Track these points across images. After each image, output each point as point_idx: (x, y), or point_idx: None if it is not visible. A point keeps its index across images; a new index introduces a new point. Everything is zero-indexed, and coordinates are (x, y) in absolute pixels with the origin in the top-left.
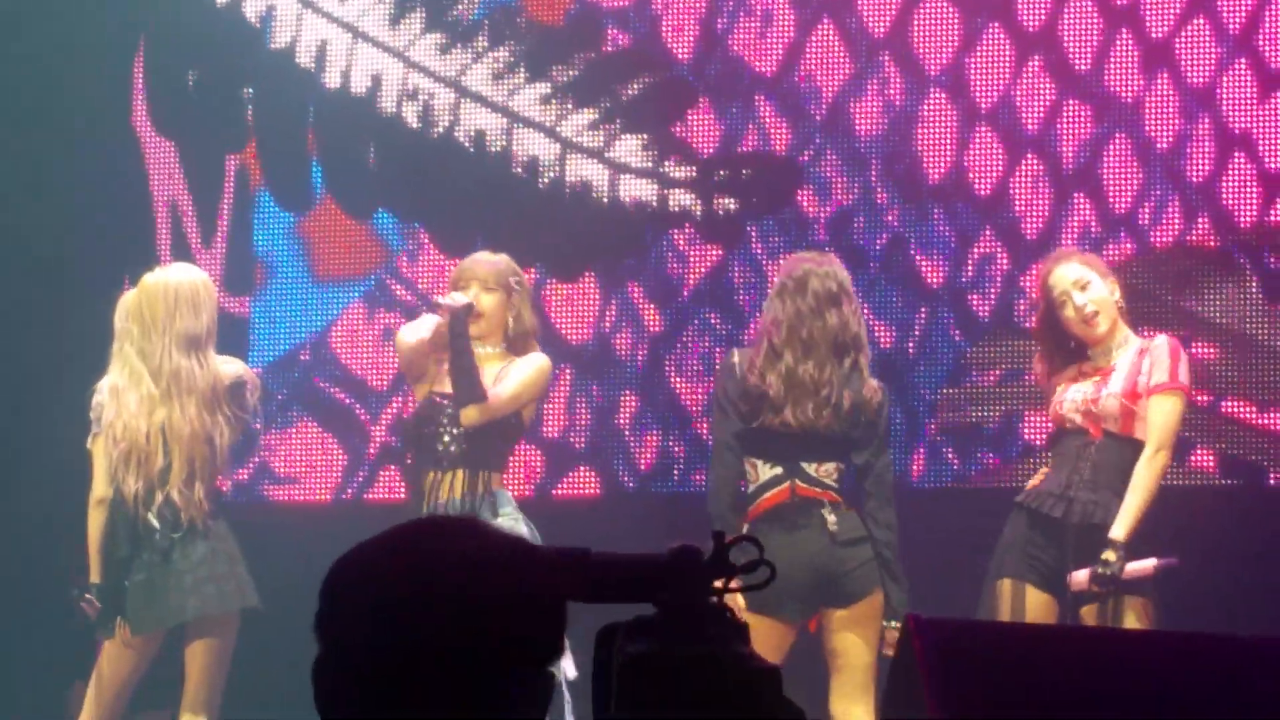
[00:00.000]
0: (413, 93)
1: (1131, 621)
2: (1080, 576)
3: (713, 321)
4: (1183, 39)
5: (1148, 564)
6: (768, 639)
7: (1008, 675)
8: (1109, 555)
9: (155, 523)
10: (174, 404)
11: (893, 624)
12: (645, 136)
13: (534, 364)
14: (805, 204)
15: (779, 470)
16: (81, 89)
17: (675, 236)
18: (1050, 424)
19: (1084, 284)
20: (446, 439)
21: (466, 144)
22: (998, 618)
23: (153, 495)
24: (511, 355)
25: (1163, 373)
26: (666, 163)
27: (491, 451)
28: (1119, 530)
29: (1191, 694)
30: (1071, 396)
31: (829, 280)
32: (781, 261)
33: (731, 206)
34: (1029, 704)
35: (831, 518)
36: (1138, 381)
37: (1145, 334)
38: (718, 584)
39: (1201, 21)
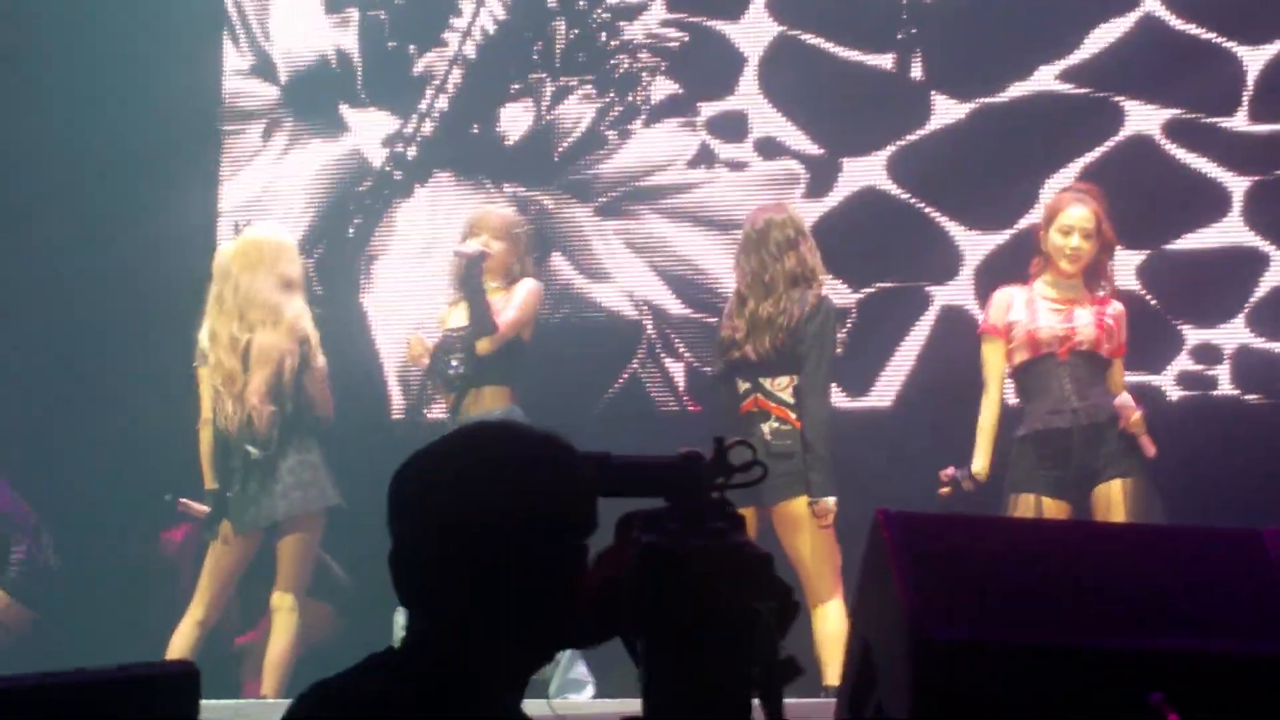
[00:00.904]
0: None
1: (1139, 496)
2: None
3: None
4: None
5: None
6: None
7: (973, 565)
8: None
9: (247, 446)
10: (265, 330)
11: (815, 501)
12: None
13: (525, 288)
14: None
15: (748, 385)
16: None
17: None
18: (1014, 344)
19: (1088, 233)
20: (455, 363)
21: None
22: None
23: (245, 421)
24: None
25: (1123, 337)
26: None
27: (495, 371)
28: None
29: (1151, 580)
30: (1046, 325)
31: (787, 228)
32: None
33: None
34: (994, 592)
35: (768, 430)
36: (1105, 323)
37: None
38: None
39: None
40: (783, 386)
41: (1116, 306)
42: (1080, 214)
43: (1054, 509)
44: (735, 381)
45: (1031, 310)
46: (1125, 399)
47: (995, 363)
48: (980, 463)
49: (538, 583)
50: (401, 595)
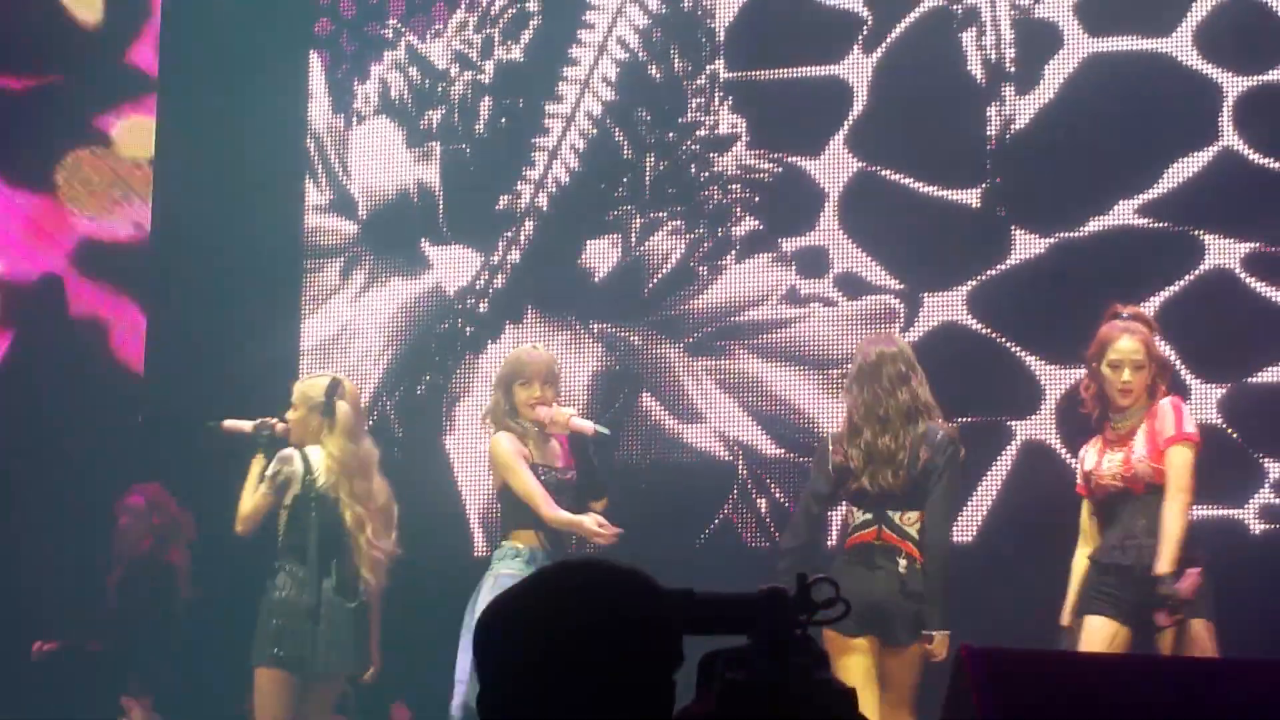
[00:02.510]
0: None
1: (1202, 640)
2: (1160, 618)
3: None
4: None
5: (1193, 572)
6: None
7: (1055, 699)
8: (1164, 590)
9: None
10: (378, 480)
11: (928, 634)
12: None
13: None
14: None
15: (869, 516)
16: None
17: None
18: (1092, 492)
19: (1138, 364)
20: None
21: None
22: (1083, 649)
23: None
24: None
25: (1170, 428)
26: None
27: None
28: (1163, 566)
29: (1235, 714)
30: (1108, 469)
31: (899, 362)
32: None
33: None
34: None
35: (903, 566)
36: (1157, 440)
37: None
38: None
39: None
40: (912, 522)
41: (1161, 403)
42: (1128, 347)
43: (1115, 631)
44: (853, 511)
45: (1099, 455)
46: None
47: (1082, 520)
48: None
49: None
50: None
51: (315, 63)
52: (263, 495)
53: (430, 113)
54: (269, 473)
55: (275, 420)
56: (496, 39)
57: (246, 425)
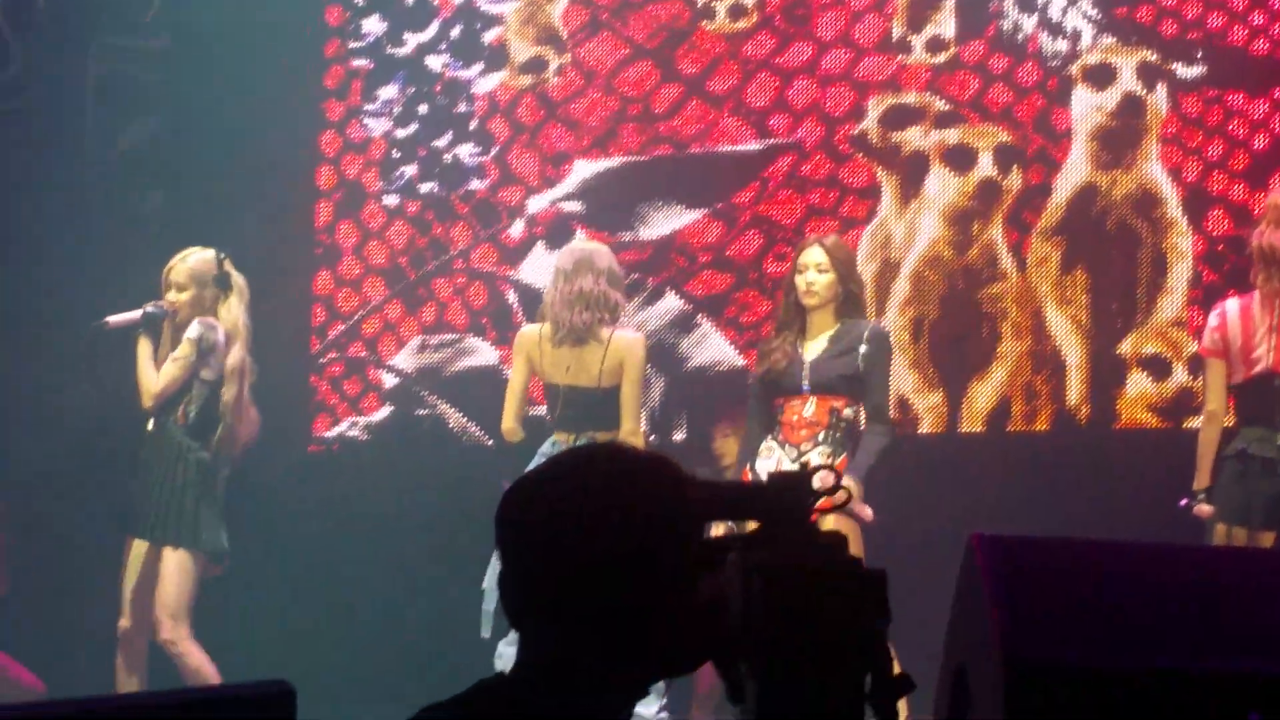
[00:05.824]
0: None
1: None
2: None
3: None
4: None
5: None
6: None
7: (1068, 587)
8: None
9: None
10: None
11: None
12: None
13: None
14: None
15: None
16: None
17: None
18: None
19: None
20: None
21: None
22: None
23: None
24: None
25: None
26: None
27: None
28: None
29: (1254, 602)
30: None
31: None
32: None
33: None
34: (1089, 614)
35: None
36: None
37: None
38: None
39: None
40: None
41: None
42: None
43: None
44: None
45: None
46: None
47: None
48: None
49: (653, 605)
50: (511, 618)
51: None
52: (183, 363)
53: None
54: (192, 336)
55: (163, 302)
56: None
57: (134, 314)
